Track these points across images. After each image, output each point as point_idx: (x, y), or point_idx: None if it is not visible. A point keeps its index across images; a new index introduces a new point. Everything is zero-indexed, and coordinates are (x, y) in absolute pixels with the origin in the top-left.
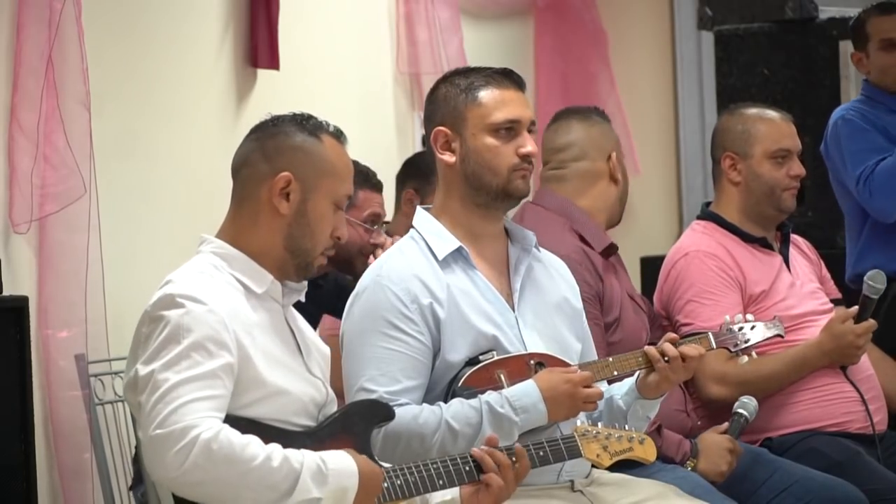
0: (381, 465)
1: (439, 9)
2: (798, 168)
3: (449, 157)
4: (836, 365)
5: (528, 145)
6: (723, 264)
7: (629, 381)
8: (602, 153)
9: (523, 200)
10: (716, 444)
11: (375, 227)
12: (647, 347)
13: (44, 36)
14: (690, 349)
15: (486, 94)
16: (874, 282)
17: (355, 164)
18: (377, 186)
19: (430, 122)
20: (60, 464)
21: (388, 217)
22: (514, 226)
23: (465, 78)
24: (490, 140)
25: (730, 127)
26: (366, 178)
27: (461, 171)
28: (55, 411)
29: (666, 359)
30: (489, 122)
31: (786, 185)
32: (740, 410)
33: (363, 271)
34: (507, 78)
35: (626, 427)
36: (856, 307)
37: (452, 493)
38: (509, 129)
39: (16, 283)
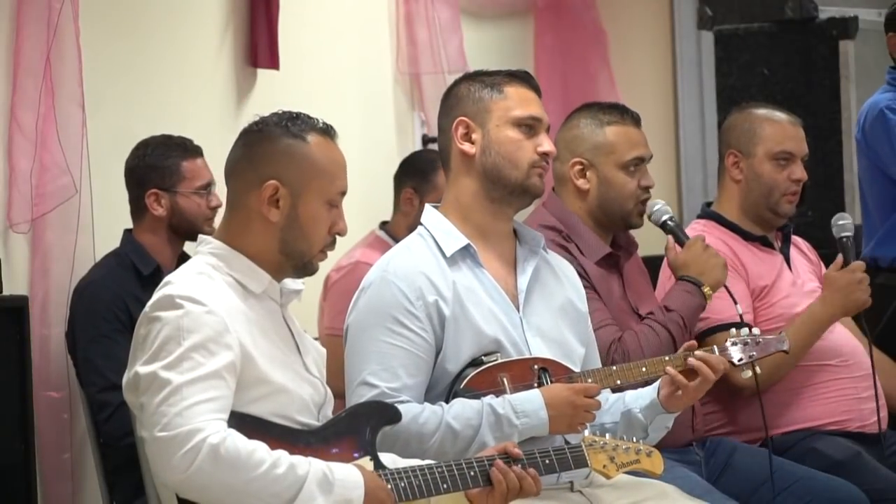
0: (385, 466)
1: (439, 9)
2: (800, 172)
3: (469, 148)
4: (850, 314)
5: (546, 144)
6: (726, 257)
7: (648, 395)
8: (569, 155)
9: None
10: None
11: (207, 190)
12: (668, 369)
13: (43, 36)
14: (714, 360)
15: (512, 90)
16: (841, 222)
17: (169, 138)
18: (196, 152)
19: (448, 115)
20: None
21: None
22: (523, 227)
23: (488, 76)
24: (513, 133)
25: (737, 124)
26: (185, 150)
27: (480, 163)
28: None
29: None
30: (514, 115)
31: (785, 188)
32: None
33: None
34: (527, 81)
35: (640, 439)
36: (840, 257)
37: None
38: (530, 127)
39: (16, 282)
